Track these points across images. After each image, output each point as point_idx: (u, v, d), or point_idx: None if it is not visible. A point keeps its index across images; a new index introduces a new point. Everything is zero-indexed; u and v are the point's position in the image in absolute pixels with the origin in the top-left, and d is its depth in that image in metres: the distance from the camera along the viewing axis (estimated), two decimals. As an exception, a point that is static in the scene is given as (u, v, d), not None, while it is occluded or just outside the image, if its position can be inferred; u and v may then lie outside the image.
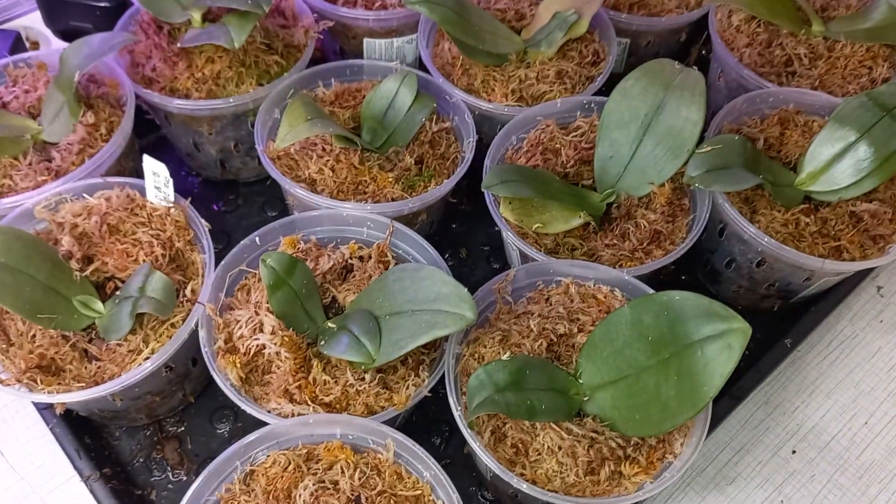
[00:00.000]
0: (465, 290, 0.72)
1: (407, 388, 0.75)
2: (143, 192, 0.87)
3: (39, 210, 0.84)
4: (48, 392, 0.74)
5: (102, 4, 1.11)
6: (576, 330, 0.78)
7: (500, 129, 0.96)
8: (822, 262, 0.84)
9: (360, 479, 0.68)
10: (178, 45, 0.97)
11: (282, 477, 0.68)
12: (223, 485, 0.69)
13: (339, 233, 0.88)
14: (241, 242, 0.84)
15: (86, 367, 0.77)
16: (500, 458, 0.71)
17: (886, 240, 0.88)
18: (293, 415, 0.72)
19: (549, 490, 0.69)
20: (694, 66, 0.90)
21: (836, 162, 0.88)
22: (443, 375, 0.75)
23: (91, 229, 0.84)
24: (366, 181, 0.91)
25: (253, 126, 0.95)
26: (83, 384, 0.75)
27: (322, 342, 0.75)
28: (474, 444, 0.70)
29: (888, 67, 1.01)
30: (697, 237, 0.86)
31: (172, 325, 0.79)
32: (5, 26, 1.25)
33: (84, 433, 0.85)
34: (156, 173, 0.84)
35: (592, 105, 0.97)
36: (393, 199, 0.90)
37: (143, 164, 0.84)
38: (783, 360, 0.94)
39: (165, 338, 0.78)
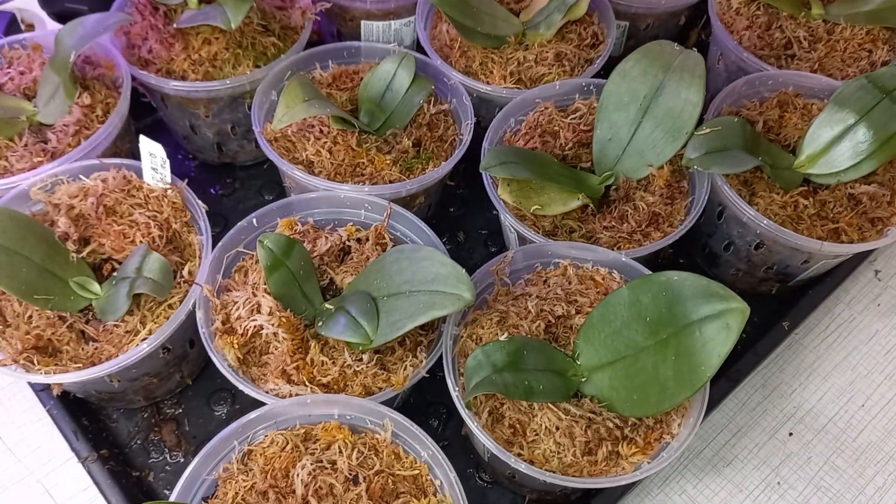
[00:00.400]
0: (464, 271, 0.71)
1: (405, 368, 0.75)
2: (139, 173, 0.86)
3: (35, 191, 0.84)
4: (45, 372, 0.73)
5: (98, -14, 1.10)
6: (574, 311, 0.78)
7: (498, 112, 0.95)
8: (820, 244, 0.84)
9: (357, 458, 0.69)
10: (175, 25, 0.96)
11: (280, 457, 0.68)
12: (221, 464, 0.69)
13: (337, 215, 0.88)
14: (239, 224, 0.83)
15: (83, 348, 0.77)
16: (497, 439, 0.71)
17: (885, 222, 0.88)
18: (291, 395, 0.72)
19: (546, 470, 0.69)
20: (693, 49, 0.90)
21: (835, 144, 0.88)
22: (440, 357, 0.75)
23: (87, 210, 0.83)
24: (363, 163, 0.91)
25: (250, 108, 0.95)
26: (80, 365, 0.75)
27: (320, 323, 0.75)
28: (472, 425, 0.70)
29: (888, 50, 1.01)
30: (696, 220, 0.86)
31: (170, 307, 0.78)
32: (0, 8, 1.24)
33: (81, 415, 0.85)
34: (152, 154, 0.83)
35: (591, 87, 0.97)
36: (390, 182, 0.90)
37: (139, 145, 0.84)
38: (781, 343, 0.94)
39: (163, 319, 0.78)
